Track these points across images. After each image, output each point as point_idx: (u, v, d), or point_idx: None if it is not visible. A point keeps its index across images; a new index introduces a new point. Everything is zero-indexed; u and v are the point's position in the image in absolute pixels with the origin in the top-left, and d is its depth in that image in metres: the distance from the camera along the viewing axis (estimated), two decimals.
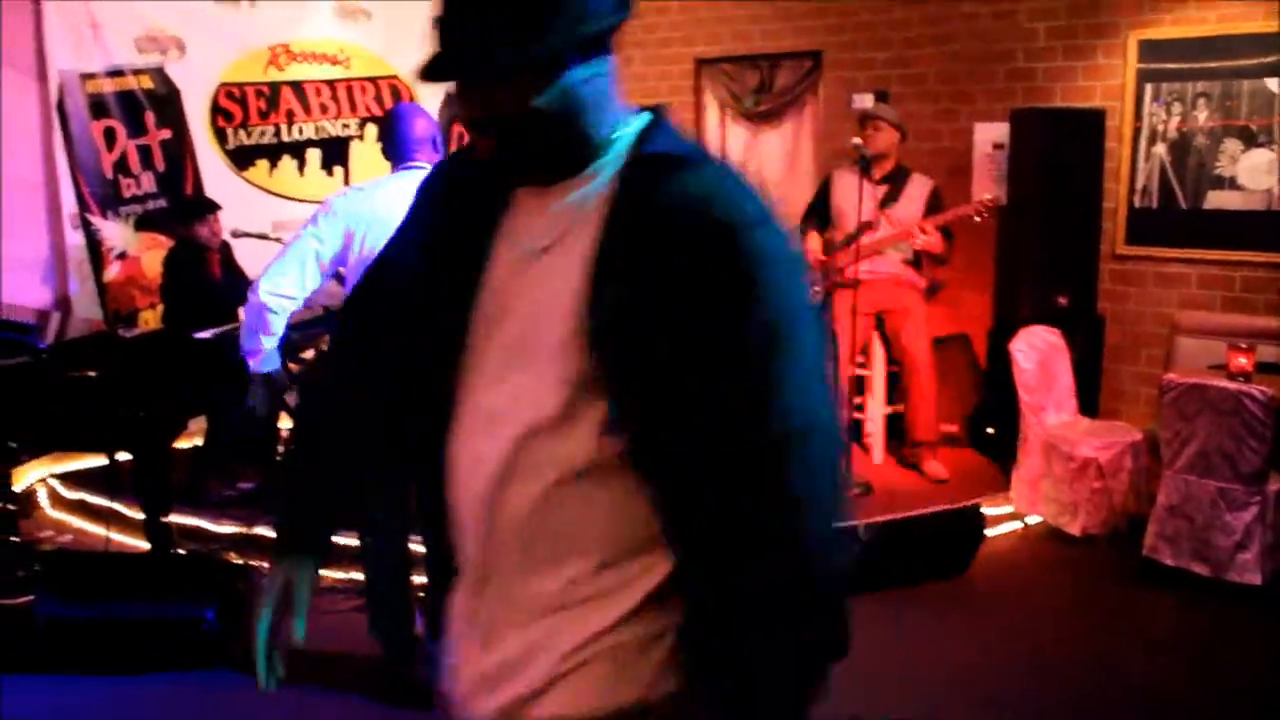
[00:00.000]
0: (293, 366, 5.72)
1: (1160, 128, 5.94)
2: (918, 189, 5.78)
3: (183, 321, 5.34)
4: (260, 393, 4.14)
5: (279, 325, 3.66)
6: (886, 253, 5.79)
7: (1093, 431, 5.33)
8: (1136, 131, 6.02)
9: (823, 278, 5.92)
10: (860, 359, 5.91)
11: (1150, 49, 5.91)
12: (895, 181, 5.80)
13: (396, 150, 3.65)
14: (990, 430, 6.24)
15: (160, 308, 5.90)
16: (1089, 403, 5.77)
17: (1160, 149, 5.96)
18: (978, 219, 5.62)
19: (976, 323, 6.48)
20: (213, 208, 5.66)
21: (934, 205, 5.75)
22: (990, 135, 6.46)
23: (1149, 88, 5.93)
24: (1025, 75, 6.37)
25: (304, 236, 3.61)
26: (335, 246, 3.58)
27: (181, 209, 5.85)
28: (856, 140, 5.54)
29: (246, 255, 6.22)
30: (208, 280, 5.60)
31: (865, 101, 6.89)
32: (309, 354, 5.71)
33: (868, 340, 5.89)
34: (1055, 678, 3.99)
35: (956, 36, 6.58)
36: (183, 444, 5.08)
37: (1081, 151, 5.87)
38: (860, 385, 6.04)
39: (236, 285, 5.80)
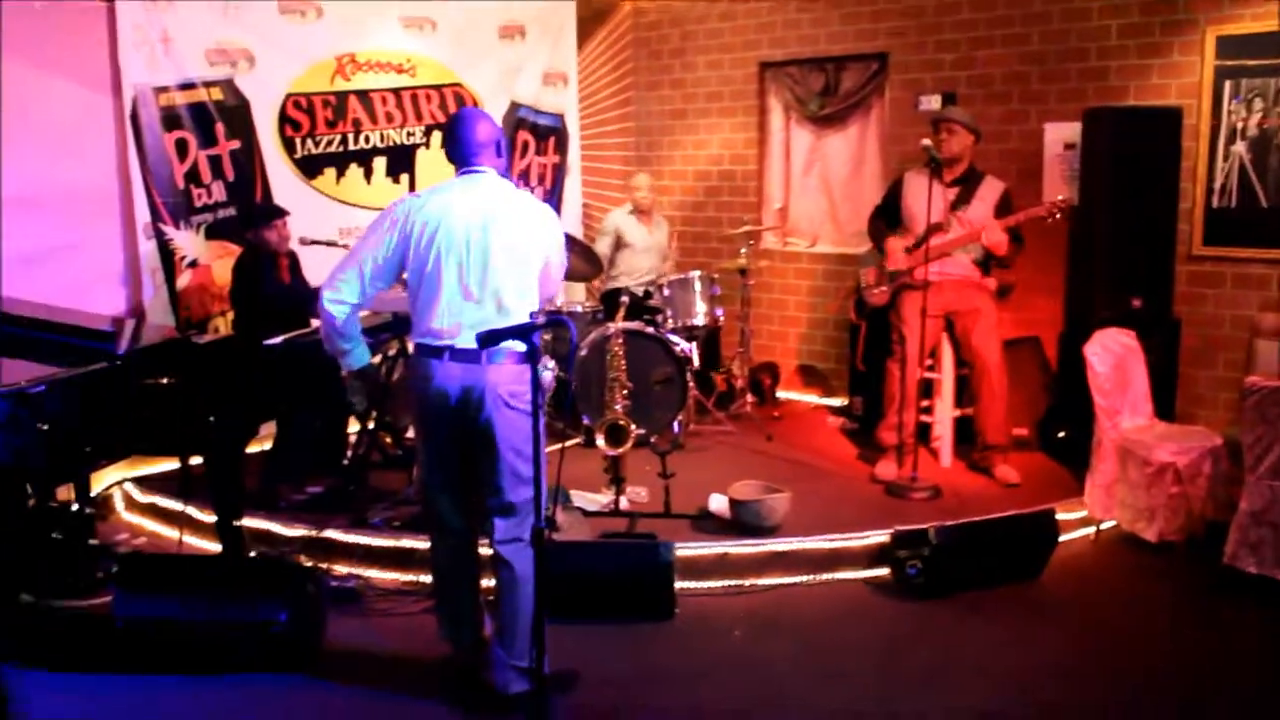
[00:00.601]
0: None
1: (1240, 125, 5.81)
2: (989, 191, 5.71)
3: (252, 326, 5.41)
4: (358, 388, 4.27)
5: (348, 327, 3.71)
6: (956, 254, 5.72)
7: (1170, 436, 5.20)
8: (1214, 129, 5.89)
9: (891, 279, 5.86)
10: (929, 361, 5.83)
11: (1229, 45, 5.78)
12: (967, 184, 5.72)
13: (459, 153, 3.67)
14: (1061, 434, 6.13)
15: (230, 314, 5.99)
16: (1165, 407, 5.64)
17: (1240, 147, 5.82)
18: (1050, 220, 5.52)
19: (1047, 326, 6.38)
20: (280, 213, 5.73)
21: (1005, 207, 5.67)
22: (1061, 135, 6.36)
23: (1228, 84, 5.80)
24: (1098, 74, 6.25)
25: (363, 243, 3.68)
26: (393, 251, 3.61)
27: (250, 214, 5.94)
28: (926, 142, 5.48)
29: (316, 263, 6.31)
30: (277, 285, 5.66)
31: (933, 103, 6.82)
32: (376, 359, 5.76)
33: (937, 343, 5.82)
34: (1131, 687, 3.88)
35: (1026, 36, 6.49)
36: (253, 448, 5.12)
37: (1157, 151, 5.75)
38: (928, 389, 5.95)
39: (304, 291, 5.88)
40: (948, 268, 5.69)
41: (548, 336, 6.13)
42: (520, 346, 3.38)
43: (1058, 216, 5.52)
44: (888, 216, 5.98)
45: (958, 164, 5.70)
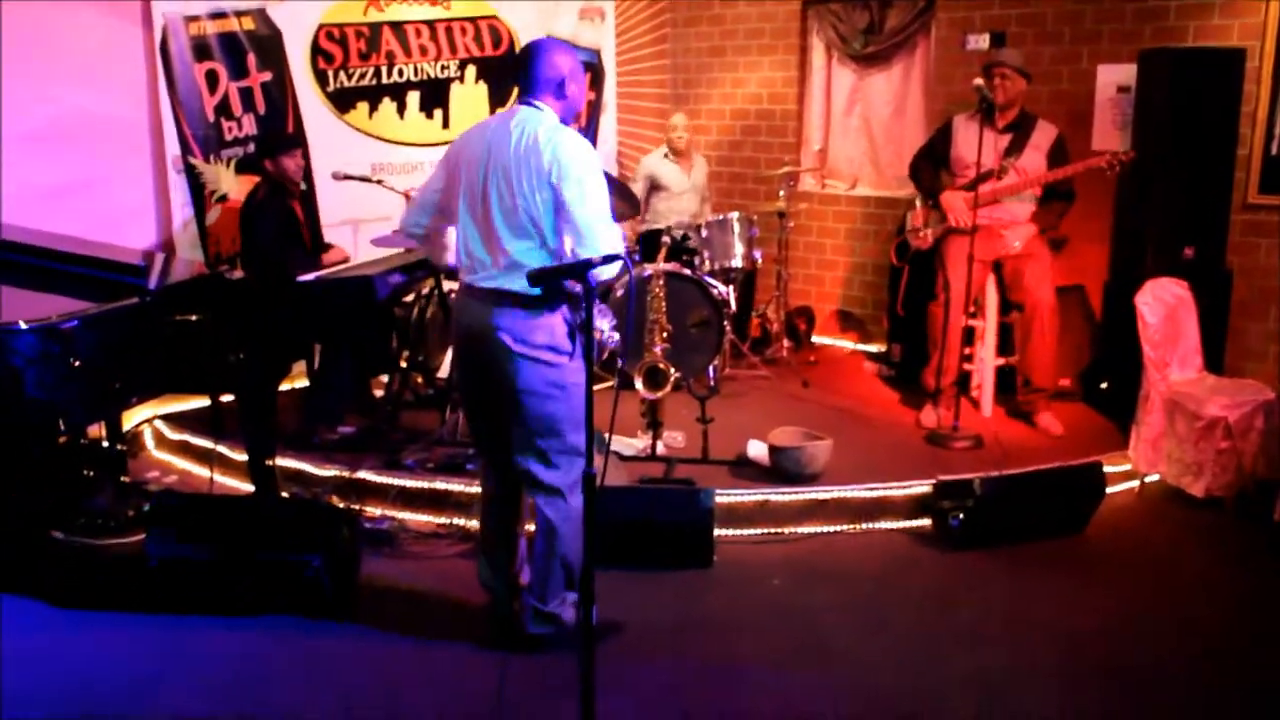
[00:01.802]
0: (396, 311, 5.71)
1: None
2: (1043, 137, 5.52)
3: (263, 258, 5.32)
4: None
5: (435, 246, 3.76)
6: (1009, 202, 5.55)
7: (1220, 390, 5.07)
8: (1276, 73, 5.67)
9: (936, 222, 5.70)
10: (971, 309, 5.70)
11: None
12: (1020, 130, 5.54)
13: (520, 85, 3.54)
14: (1104, 385, 6.01)
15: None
16: (1214, 359, 5.49)
17: None
18: (1109, 172, 5.35)
19: (1092, 275, 6.23)
20: (300, 142, 5.62)
21: (1058, 154, 5.48)
22: (1114, 78, 6.16)
23: None
24: (1156, 14, 6.03)
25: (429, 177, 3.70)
26: (438, 183, 3.60)
27: (270, 142, 5.81)
28: (979, 82, 5.29)
29: (348, 199, 6.23)
30: (291, 215, 5.56)
31: (981, 43, 6.62)
32: (410, 298, 5.69)
33: (981, 290, 5.67)
34: (1182, 647, 3.79)
35: None
36: (285, 386, 5.07)
37: (1215, 94, 5.55)
38: (970, 336, 5.82)
39: (315, 228, 5.80)
40: (998, 213, 5.54)
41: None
42: (532, 290, 3.26)
43: (1116, 169, 5.34)
44: (933, 161, 5.81)
45: (1010, 109, 5.51)
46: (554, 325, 3.41)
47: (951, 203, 5.58)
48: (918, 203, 5.95)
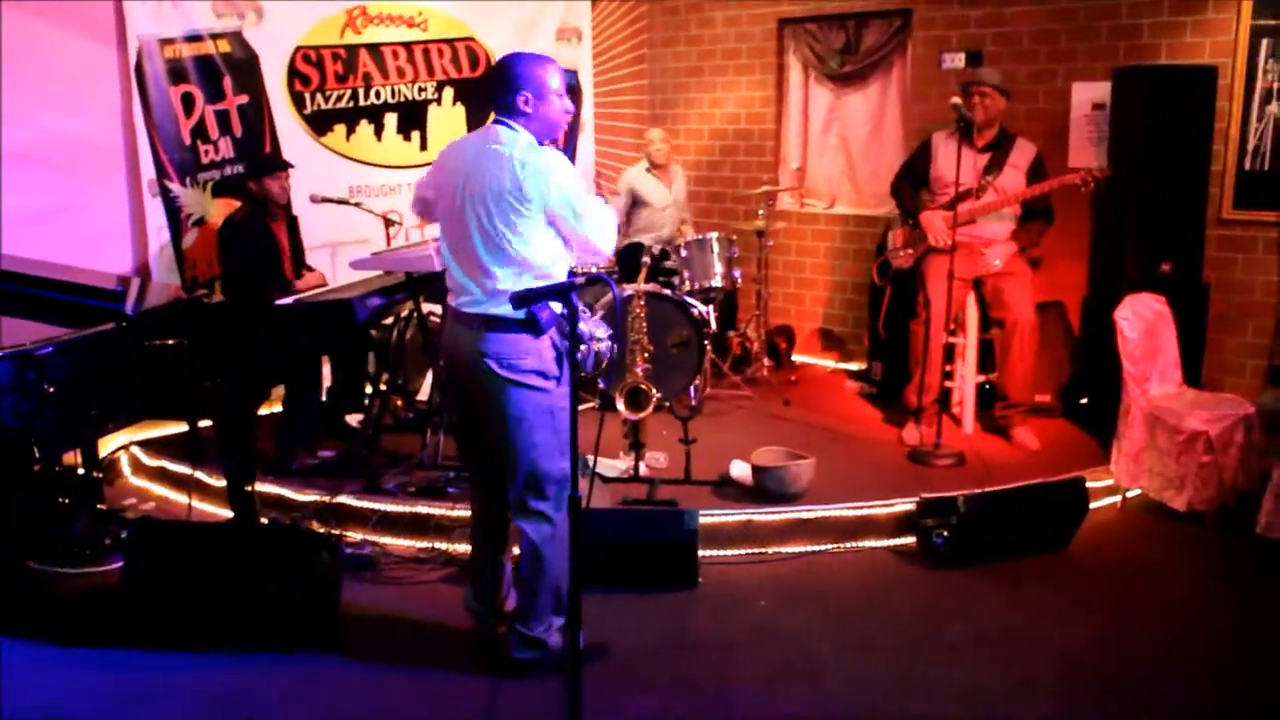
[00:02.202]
0: (374, 333, 5.68)
1: (1276, 85, 5.65)
2: (1021, 156, 5.56)
3: (260, 287, 5.28)
4: None
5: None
6: (989, 220, 5.57)
7: (1200, 404, 5.09)
8: (1248, 90, 5.73)
9: (916, 242, 5.72)
10: (951, 326, 5.71)
11: (1266, 2, 5.61)
12: (999, 148, 5.57)
13: (493, 103, 3.51)
14: (1084, 401, 6.03)
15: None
16: (1192, 374, 5.52)
17: (1275, 107, 5.68)
18: (1083, 189, 5.38)
19: (1071, 291, 6.26)
20: (287, 165, 5.60)
21: (1037, 172, 5.52)
22: (1090, 95, 6.20)
23: (1265, 43, 5.64)
24: (1129, 32, 6.08)
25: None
26: (433, 194, 3.64)
27: (258, 162, 5.78)
28: (956, 100, 5.31)
29: (324, 223, 6.19)
30: (272, 238, 5.53)
31: (957, 62, 6.66)
32: (389, 320, 5.65)
33: (962, 307, 5.69)
34: (1167, 661, 3.79)
35: None
36: (264, 411, 5.02)
37: (1189, 111, 5.59)
38: (950, 353, 5.83)
39: (298, 253, 5.76)
40: (977, 232, 5.56)
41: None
42: (517, 314, 3.24)
43: (1090, 186, 5.37)
44: (913, 180, 5.83)
45: (989, 128, 5.54)
46: (542, 350, 3.38)
47: (931, 222, 5.59)
48: (897, 223, 5.97)
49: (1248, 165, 5.81)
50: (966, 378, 5.85)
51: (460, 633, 3.89)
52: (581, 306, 3.29)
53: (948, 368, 5.79)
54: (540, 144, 3.42)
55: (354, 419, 5.80)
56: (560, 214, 3.33)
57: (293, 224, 5.76)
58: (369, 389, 5.74)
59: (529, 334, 3.34)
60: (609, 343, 3.42)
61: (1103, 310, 5.43)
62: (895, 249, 5.91)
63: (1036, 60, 6.42)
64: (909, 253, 5.79)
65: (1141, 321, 5.15)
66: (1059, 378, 6.25)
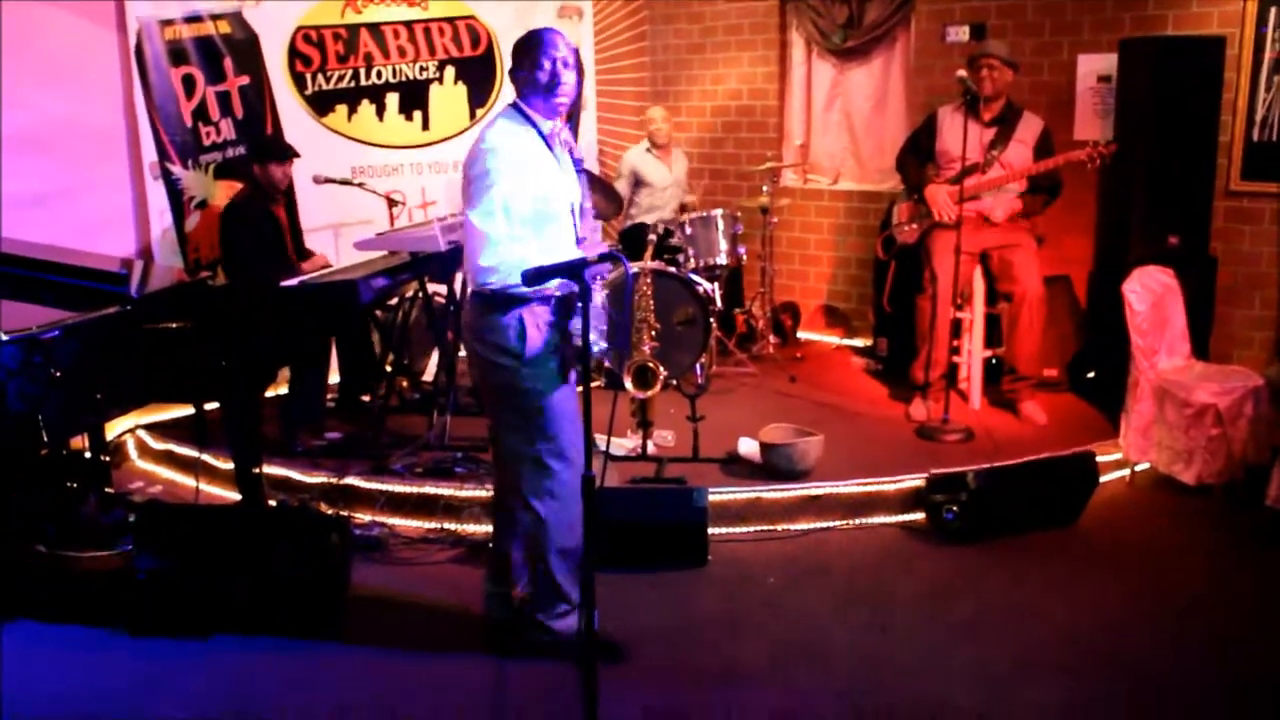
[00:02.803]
0: (379, 314, 5.66)
1: None
2: (1028, 130, 5.54)
3: (264, 270, 5.26)
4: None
5: None
6: (996, 192, 5.54)
7: (1209, 376, 5.07)
8: (1256, 60, 5.68)
9: (921, 217, 5.69)
10: (958, 301, 5.68)
11: None
12: (1005, 123, 5.54)
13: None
14: (1091, 375, 6.01)
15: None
16: (1199, 347, 5.50)
17: None
18: (1090, 165, 5.34)
19: (1077, 265, 6.22)
20: (294, 153, 5.57)
21: (1044, 147, 5.49)
22: (1095, 67, 6.15)
23: (1274, 12, 5.58)
24: (1134, 3, 6.03)
25: None
26: None
27: (264, 146, 5.75)
28: (962, 73, 5.27)
29: (328, 201, 6.16)
30: (274, 221, 5.51)
31: (961, 35, 6.61)
32: (394, 301, 5.64)
33: (968, 282, 5.66)
34: (1181, 636, 3.79)
35: None
36: (269, 393, 5.01)
37: (1196, 82, 5.55)
38: (957, 328, 5.81)
39: (297, 234, 5.74)
40: (982, 206, 5.53)
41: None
42: (487, 287, 3.23)
43: (1097, 162, 5.34)
44: (919, 155, 5.79)
45: (996, 101, 5.51)
46: (506, 326, 3.30)
47: (935, 196, 5.57)
48: (902, 197, 5.94)
49: (1255, 136, 5.76)
50: (974, 353, 5.83)
51: (469, 615, 3.89)
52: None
53: (954, 343, 5.77)
54: (549, 115, 3.39)
55: (365, 399, 5.80)
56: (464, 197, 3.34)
57: (290, 206, 5.74)
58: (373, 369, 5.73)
59: (497, 311, 3.29)
60: (604, 344, 3.33)
61: (1110, 284, 5.41)
62: (900, 224, 5.88)
63: (1042, 33, 6.37)
64: (914, 228, 5.77)
65: (1150, 294, 5.12)
66: (1066, 352, 6.23)
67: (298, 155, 5.57)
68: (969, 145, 5.24)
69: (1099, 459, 4.91)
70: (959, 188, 5.32)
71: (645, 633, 3.77)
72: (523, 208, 3.24)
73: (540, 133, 3.37)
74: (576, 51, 3.40)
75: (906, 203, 5.88)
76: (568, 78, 3.33)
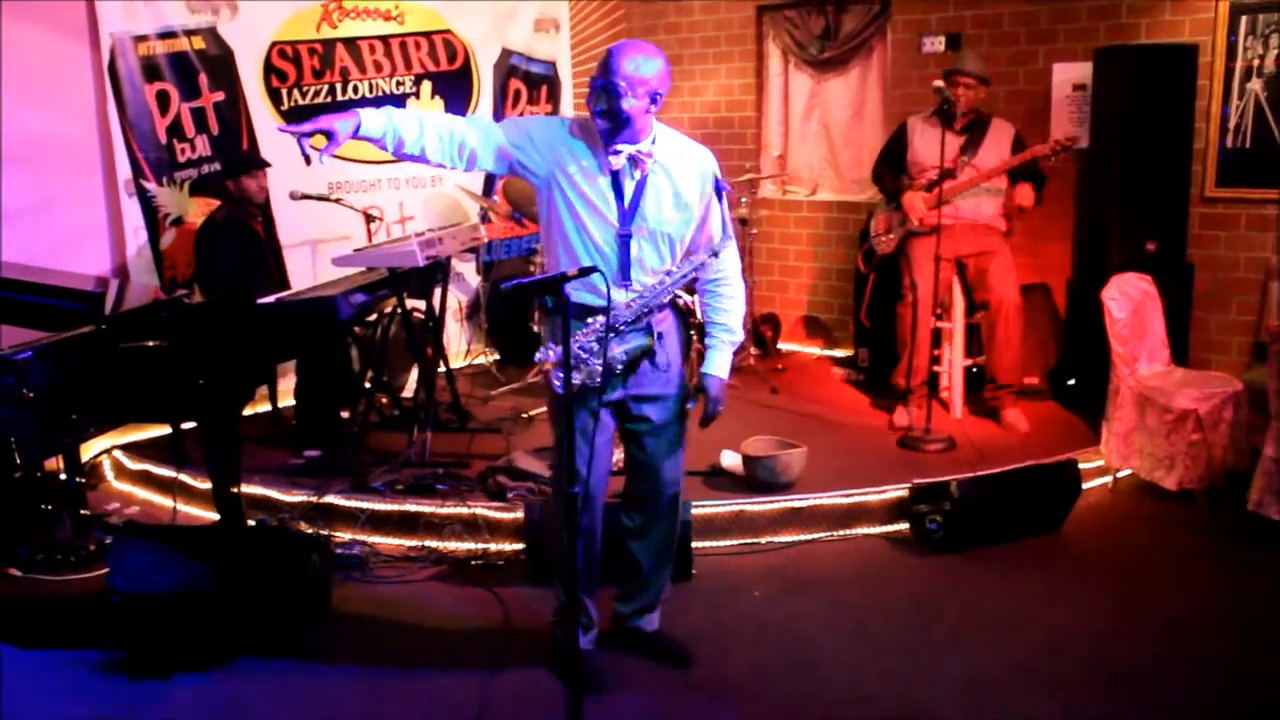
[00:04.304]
0: (358, 330, 5.62)
1: (1256, 63, 5.65)
2: (999, 135, 5.57)
3: (223, 280, 5.22)
4: None
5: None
6: (969, 197, 5.56)
7: (1189, 382, 5.09)
8: (1228, 68, 5.73)
9: (898, 225, 5.70)
10: (938, 310, 5.69)
11: None
12: (975, 130, 5.58)
13: None
14: (1071, 382, 6.03)
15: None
16: (1178, 353, 5.53)
17: (1256, 85, 5.67)
18: (1051, 159, 5.39)
19: (1055, 272, 6.25)
20: (264, 164, 5.54)
21: (1018, 150, 5.51)
22: (1070, 76, 6.19)
23: (1244, 20, 5.63)
24: (1109, 12, 6.08)
25: None
26: None
27: (234, 161, 5.72)
28: (938, 83, 5.28)
29: (306, 217, 6.12)
30: (253, 236, 5.47)
31: (937, 45, 6.64)
32: (372, 317, 5.60)
33: (947, 290, 5.67)
34: (1166, 641, 3.78)
35: None
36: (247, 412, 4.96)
37: (1170, 90, 5.59)
38: (937, 337, 5.81)
39: (276, 250, 5.70)
40: (960, 212, 5.54)
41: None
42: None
43: (1058, 155, 5.38)
44: (891, 165, 5.81)
45: (967, 112, 5.55)
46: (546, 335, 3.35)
47: (912, 203, 5.59)
48: (880, 208, 5.94)
49: (1229, 143, 5.80)
50: (954, 362, 5.83)
51: (452, 632, 3.86)
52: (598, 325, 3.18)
53: (935, 352, 5.77)
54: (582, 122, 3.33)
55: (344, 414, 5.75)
56: None
57: (267, 220, 5.70)
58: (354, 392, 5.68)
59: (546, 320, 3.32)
60: (595, 365, 3.18)
61: (1088, 291, 5.43)
62: (878, 235, 5.89)
63: (1017, 42, 6.41)
64: (891, 237, 5.78)
65: (1129, 301, 5.14)
66: (1046, 359, 6.24)
67: (268, 165, 5.54)
68: (943, 152, 5.27)
69: (1081, 466, 4.91)
70: (935, 193, 5.34)
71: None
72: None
73: (594, 147, 3.24)
74: (612, 68, 3.11)
75: (884, 214, 5.89)
76: (596, 101, 3.16)
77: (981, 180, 5.52)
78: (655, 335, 3.30)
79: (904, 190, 5.66)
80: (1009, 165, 5.46)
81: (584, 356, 3.15)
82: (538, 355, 3.12)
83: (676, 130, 3.38)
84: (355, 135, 3.02)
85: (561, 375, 3.05)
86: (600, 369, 3.15)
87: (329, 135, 2.98)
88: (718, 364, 3.55)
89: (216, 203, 5.66)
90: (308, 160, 3.04)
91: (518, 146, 3.23)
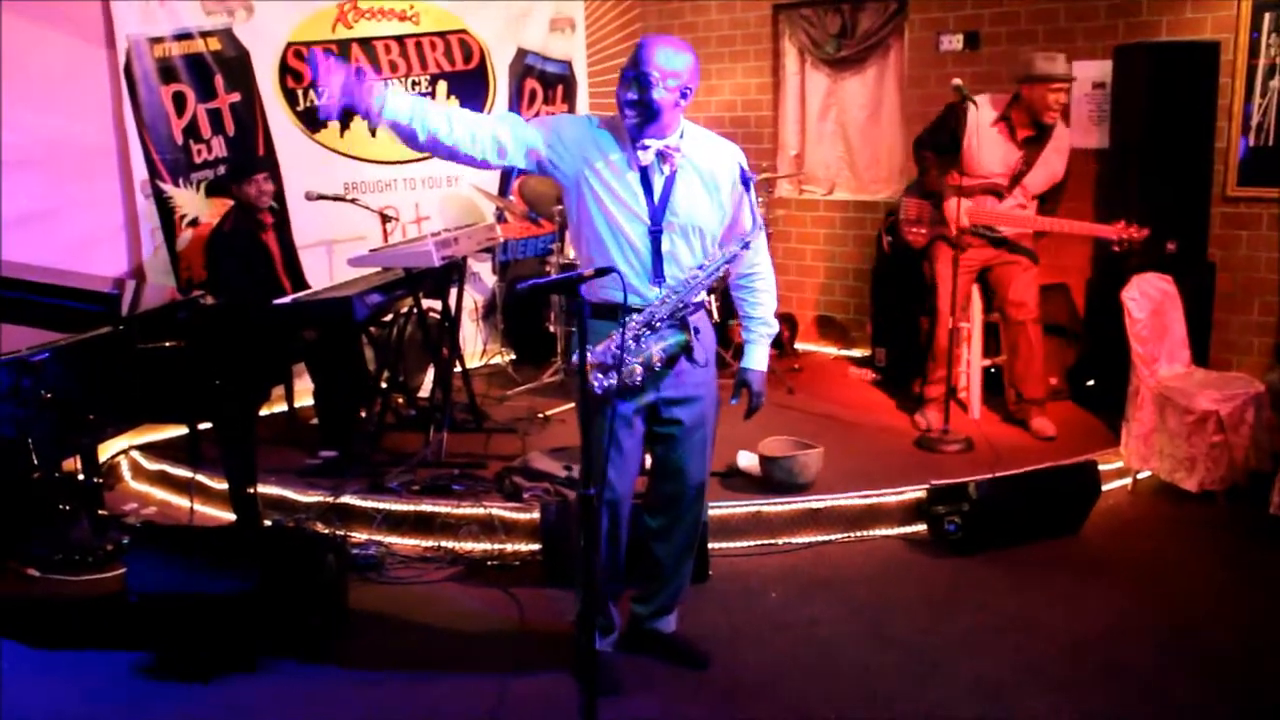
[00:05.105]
0: (373, 330, 5.62)
1: (1279, 60, 5.59)
2: (1055, 154, 5.33)
3: (233, 295, 5.23)
4: None
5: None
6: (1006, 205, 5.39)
7: (1210, 383, 5.04)
8: (1250, 65, 5.67)
9: (930, 222, 5.54)
10: (956, 314, 5.63)
11: None
12: (1037, 143, 5.31)
13: None
14: (1090, 383, 5.98)
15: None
16: (1199, 353, 5.48)
17: (1278, 83, 5.61)
18: (1115, 247, 5.14)
19: (1075, 272, 6.21)
20: (257, 168, 5.54)
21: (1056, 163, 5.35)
22: (1090, 74, 6.13)
23: (1267, 17, 5.58)
24: (1129, 9, 6.02)
25: None
26: None
27: (233, 168, 5.72)
28: (957, 81, 5.17)
29: (321, 218, 6.12)
30: (259, 248, 5.48)
31: (954, 43, 6.61)
32: (388, 318, 5.60)
33: (966, 297, 5.59)
34: (1187, 645, 3.75)
35: None
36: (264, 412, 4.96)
37: (1191, 88, 5.54)
38: (952, 338, 5.77)
39: (288, 254, 5.69)
40: (999, 226, 5.40)
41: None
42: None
43: (1123, 245, 5.12)
44: (938, 147, 5.47)
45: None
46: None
47: (953, 216, 5.33)
48: (915, 191, 5.68)
49: (1251, 141, 5.75)
50: (972, 363, 5.79)
51: (468, 634, 3.86)
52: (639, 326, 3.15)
53: (954, 351, 5.72)
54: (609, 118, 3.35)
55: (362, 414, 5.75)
56: None
57: (282, 229, 5.70)
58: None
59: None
60: (634, 363, 3.14)
61: (1108, 291, 5.39)
62: (909, 219, 5.67)
63: (1035, 40, 6.35)
64: (923, 232, 5.60)
65: (1149, 302, 5.10)
66: (1065, 360, 6.20)
67: (262, 172, 5.53)
68: (998, 160, 5.20)
69: (1100, 468, 4.87)
70: (975, 208, 5.29)
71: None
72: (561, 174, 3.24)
73: (622, 143, 3.24)
74: (643, 59, 3.16)
75: (916, 200, 5.63)
76: (627, 89, 3.18)
77: (1025, 226, 5.35)
78: (693, 330, 3.27)
79: (945, 192, 5.37)
80: (1059, 229, 5.25)
81: (622, 356, 3.11)
82: (575, 356, 3.10)
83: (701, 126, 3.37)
84: (379, 116, 2.94)
85: (600, 376, 3.05)
86: (640, 367, 3.14)
87: (353, 109, 2.91)
88: (756, 358, 3.56)
89: (231, 203, 5.66)
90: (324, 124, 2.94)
91: (549, 145, 3.22)
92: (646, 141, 3.19)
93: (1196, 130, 5.60)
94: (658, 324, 3.19)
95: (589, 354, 3.01)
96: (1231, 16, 5.70)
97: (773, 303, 3.59)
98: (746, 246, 3.36)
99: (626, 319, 3.10)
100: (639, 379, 3.16)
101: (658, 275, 3.24)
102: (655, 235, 3.22)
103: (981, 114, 5.32)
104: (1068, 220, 5.29)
